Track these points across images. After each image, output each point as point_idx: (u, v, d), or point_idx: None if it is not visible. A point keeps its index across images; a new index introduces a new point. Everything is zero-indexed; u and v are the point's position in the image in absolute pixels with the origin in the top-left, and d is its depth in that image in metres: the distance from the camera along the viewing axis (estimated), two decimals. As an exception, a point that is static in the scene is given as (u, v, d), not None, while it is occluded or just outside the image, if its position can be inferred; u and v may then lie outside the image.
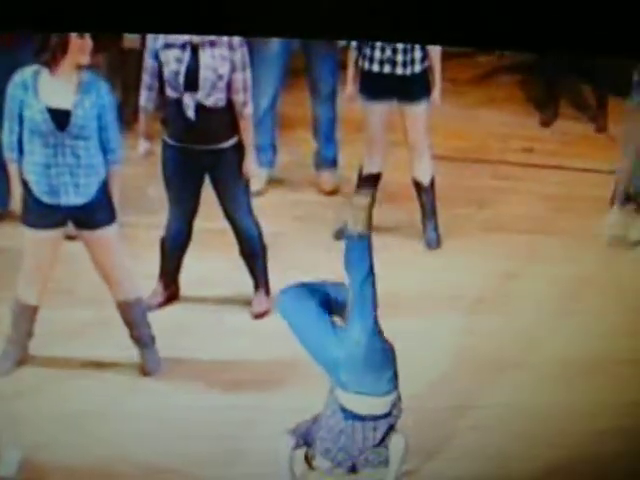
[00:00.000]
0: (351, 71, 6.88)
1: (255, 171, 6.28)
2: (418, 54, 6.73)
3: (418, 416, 5.54)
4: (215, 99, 5.99)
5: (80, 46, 5.31)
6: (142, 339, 5.72)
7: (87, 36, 5.33)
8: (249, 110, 6.05)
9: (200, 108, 5.98)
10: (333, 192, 7.34)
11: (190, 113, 5.98)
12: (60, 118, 5.36)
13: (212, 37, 5.92)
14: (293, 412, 5.45)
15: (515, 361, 6.23)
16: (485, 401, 5.87)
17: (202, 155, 5.99)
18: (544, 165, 8.16)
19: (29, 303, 5.46)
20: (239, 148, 6.09)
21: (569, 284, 6.83)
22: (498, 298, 6.67)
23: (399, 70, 6.74)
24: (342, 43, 7.14)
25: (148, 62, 6.01)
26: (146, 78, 6.00)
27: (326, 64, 7.34)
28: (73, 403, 5.59)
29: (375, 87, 6.81)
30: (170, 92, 5.93)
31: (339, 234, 6.96)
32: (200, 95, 5.94)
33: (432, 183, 6.95)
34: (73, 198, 5.42)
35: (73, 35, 5.26)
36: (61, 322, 5.98)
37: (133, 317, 5.68)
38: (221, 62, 5.91)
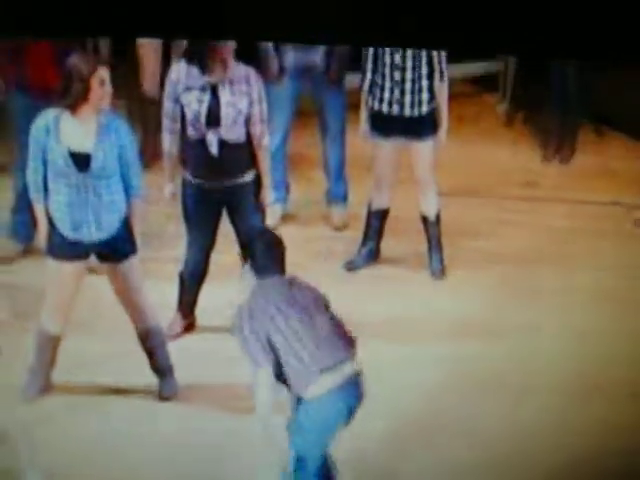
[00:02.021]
0: (363, 112, 6.89)
1: (271, 202, 6.26)
2: (426, 95, 6.76)
3: (426, 441, 5.57)
4: (236, 134, 6.04)
5: (101, 92, 5.33)
6: (161, 367, 5.72)
7: (108, 82, 5.34)
8: (266, 141, 6.10)
9: (222, 144, 6.02)
10: (343, 227, 7.33)
11: (213, 150, 6.02)
12: (81, 160, 5.40)
13: (230, 75, 5.94)
14: None
15: (520, 385, 6.12)
16: (492, 423, 5.78)
17: (222, 190, 6.01)
18: (547, 198, 8.19)
19: (52, 333, 5.47)
20: (257, 181, 6.10)
21: (572, 312, 6.80)
22: (502, 326, 6.61)
23: (407, 111, 6.77)
24: (354, 84, 7.11)
25: (169, 107, 6.05)
26: (167, 123, 6.04)
27: (335, 106, 7.38)
28: (94, 428, 5.58)
29: (384, 127, 6.84)
30: (192, 132, 5.98)
31: (349, 266, 7.02)
32: (222, 131, 5.99)
33: (438, 217, 6.95)
34: (95, 234, 5.43)
35: (94, 81, 5.29)
36: (83, 351, 5.99)
37: (152, 345, 5.69)
38: (240, 98, 5.94)
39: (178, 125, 6.04)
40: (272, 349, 4.78)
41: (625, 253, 7.38)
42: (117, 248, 5.52)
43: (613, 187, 8.28)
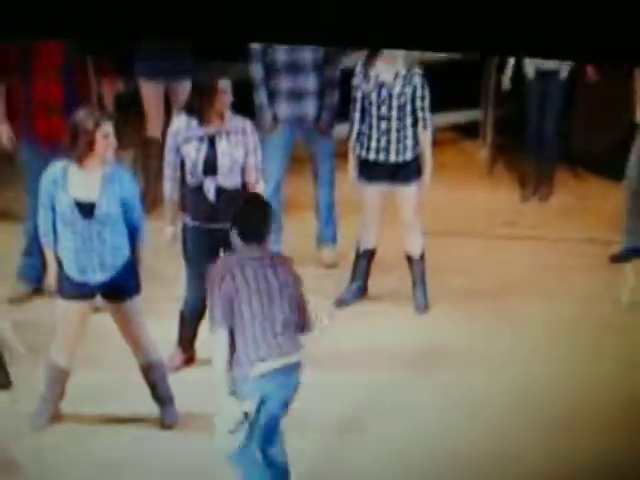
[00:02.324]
0: (351, 159, 6.95)
1: None
2: (410, 143, 6.86)
3: (413, 463, 5.68)
4: (232, 181, 6.11)
5: (105, 145, 5.44)
6: (162, 397, 5.78)
7: (112, 135, 5.46)
8: (260, 187, 6.17)
9: (219, 190, 6.13)
10: (333, 266, 7.40)
11: (210, 196, 6.11)
12: (86, 209, 5.50)
13: (227, 127, 6.05)
14: (298, 460, 5.52)
15: (498, 408, 6.19)
16: (479, 448, 5.86)
17: (220, 232, 6.04)
18: (526, 236, 8.21)
19: (61, 366, 5.57)
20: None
21: (548, 342, 6.83)
22: (483, 356, 6.66)
23: (392, 158, 6.86)
24: (343, 134, 7.21)
25: (170, 157, 6.14)
26: (169, 171, 6.14)
27: (325, 154, 7.46)
28: (101, 455, 5.65)
29: (371, 173, 6.93)
30: (191, 179, 6.08)
31: (339, 302, 7.11)
32: (219, 179, 6.09)
33: (422, 256, 7.01)
34: (100, 276, 5.53)
35: (99, 135, 5.41)
36: (90, 383, 6.01)
37: (154, 377, 5.75)
38: (236, 147, 6.05)
39: (178, 173, 6.12)
40: (231, 316, 4.88)
41: (600, 287, 7.36)
42: (121, 289, 5.60)
43: (588, 224, 8.32)
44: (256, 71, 7.24)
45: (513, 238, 8.26)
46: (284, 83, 7.18)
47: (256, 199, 5.45)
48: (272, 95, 7.21)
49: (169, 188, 6.22)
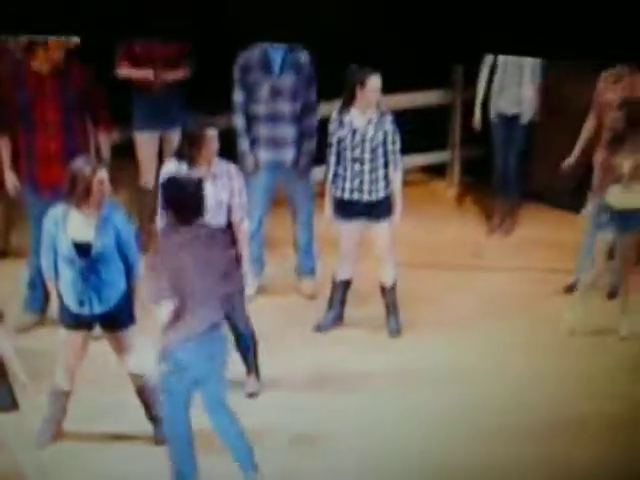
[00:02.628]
0: (328, 198, 7.07)
1: (249, 276, 6.48)
2: (382, 183, 6.99)
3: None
4: (218, 219, 6.20)
5: (101, 190, 5.59)
6: (155, 416, 5.87)
7: (107, 181, 5.61)
8: (245, 226, 6.32)
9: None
10: (312, 296, 7.53)
11: None
12: (83, 249, 5.66)
13: (214, 171, 6.17)
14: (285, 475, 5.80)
15: (467, 425, 6.31)
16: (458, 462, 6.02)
17: None
18: (491, 267, 8.30)
19: (63, 389, 5.74)
20: (236, 259, 6.21)
21: (510, 363, 6.95)
22: (451, 378, 6.76)
23: (366, 197, 6.97)
24: (320, 176, 7.37)
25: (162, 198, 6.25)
26: (162, 210, 6.22)
27: (303, 195, 7.60)
28: (100, 469, 5.75)
29: (346, 211, 7.05)
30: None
31: (318, 329, 7.27)
32: (206, 217, 6.24)
33: (394, 286, 7.15)
34: (97, 308, 5.69)
35: (95, 182, 5.57)
36: (89, 404, 6.10)
37: (148, 398, 5.86)
38: (222, 189, 6.19)
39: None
40: (174, 289, 5.14)
41: (557, 313, 7.41)
42: (118, 320, 5.75)
43: (548, 255, 8.36)
44: (239, 121, 7.39)
45: (479, 269, 8.34)
46: (264, 132, 7.34)
47: (189, 183, 5.55)
48: (253, 143, 7.36)
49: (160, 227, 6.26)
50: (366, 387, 6.74)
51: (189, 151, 6.16)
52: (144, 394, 5.87)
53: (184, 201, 5.28)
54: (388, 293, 7.17)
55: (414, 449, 6.15)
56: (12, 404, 5.36)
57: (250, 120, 7.36)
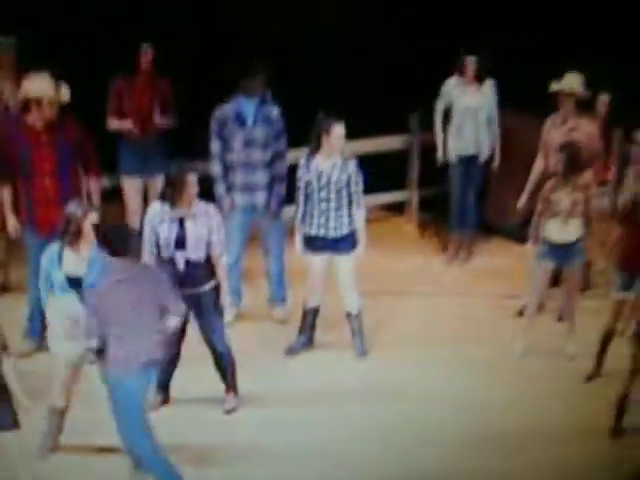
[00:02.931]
0: (298, 235, 7.23)
1: (227, 306, 6.62)
2: (346, 220, 7.16)
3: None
4: (198, 254, 6.41)
5: (89, 231, 5.83)
6: None
7: (96, 222, 5.85)
8: (223, 260, 6.49)
9: (188, 262, 6.41)
10: (284, 322, 7.72)
11: (180, 267, 6.40)
12: (75, 282, 5.86)
13: (194, 211, 6.35)
14: None
15: (420, 435, 6.50)
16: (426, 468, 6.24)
17: (189, 297, 6.36)
18: (449, 292, 8.47)
19: (59, 407, 5.96)
20: (216, 289, 6.48)
21: (465, 379, 7.13)
22: (414, 394, 6.94)
23: (331, 233, 7.15)
24: (290, 215, 7.50)
25: (148, 235, 6.41)
26: (148, 247, 6.42)
27: (275, 233, 7.78)
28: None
29: (314, 245, 7.22)
30: (165, 253, 6.38)
31: (289, 352, 7.43)
32: (187, 253, 6.40)
33: (359, 312, 7.33)
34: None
35: (86, 223, 5.80)
36: (83, 420, 6.23)
37: None
38: (201, 227, 6.36)
39: (155, 249, 6.40)
40: (102, 325, 5.35)
41: (507, 334, 7.59)
42: None
43: (502, 283, 8.51)
44: (216, 168, 7.63)
45: (438, 295, 8.46)
46: (239, 178, 7.58)
47: (119, 227, 5.82)
48: (230, 187, 7.58)
49: (148, 261, 6.40)
50: (334, 403, 6.87)
51: (172, 194, 6.37)
52: None
53: (117, 244, 5.49)
54: (353, 320, 7.36)
55: (376, 460, 6.26)
56: (13, 424, 5.50)
57: (226, 167, 7.59)
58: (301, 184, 7.17)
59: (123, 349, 5.39)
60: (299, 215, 7.25)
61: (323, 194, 7.10)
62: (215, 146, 7.54)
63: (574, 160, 7.25)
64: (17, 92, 7.21)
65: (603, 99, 8.23)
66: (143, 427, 5.55)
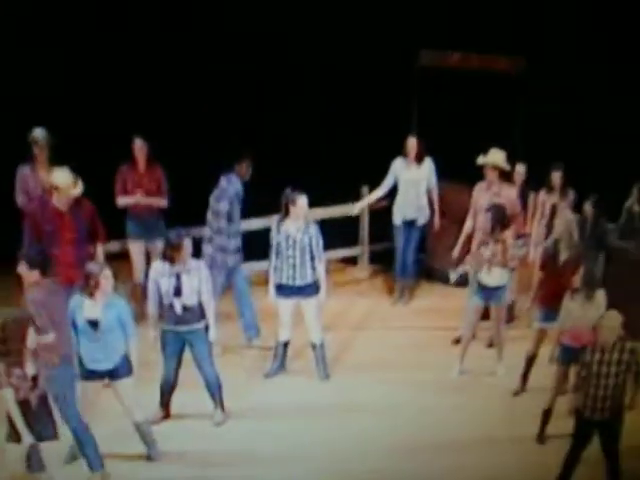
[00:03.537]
0: (271, 283, 7.54)
1: (215, 340, 6.94)
2: (309, 271, 7.47)
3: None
4: (192, 300, 6.79)
5: (107, 283, 6.23)
6: (148, 441, 6.59)
7: (110, 277, 6.21)
8: (212, 304, 6.87)
9: (184, 307, 6.81)
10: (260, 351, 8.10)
11: (178, 310, 6.81)
12: (94, 324, 6.27)
13: (188, 267, 6.69)
14: None
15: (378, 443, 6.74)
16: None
17: (185, 333, 6.85)
18: (394, 327, 8.77)
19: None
20: (206, 327, 6.87)
21: (411, 397, 7.40)
22: (370, 408, 7.22)
23: (298, 282, 7.51)
24: (265, 268, 7.73)
25: (152, 287, 6.84)
26: (151, 296, 6.82)
27: (242, 284, 8.10)
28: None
29: (284, 292, 7.56)
30: (165, 300, 6.81)
31: (266, 375, 7.67)
32: (183, 299, 6.80)
33: (322, 344, 7.70)
34: (105, 365, 6.32)
35: (102, 278, 6.17)
36: (98, 433, 6.35)
37: (142, 430, 6.56)
38: (194, 279, 6.77)
39: (157, 297, 6.83)
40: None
41: (446, 359, 7.91)
42: (119, 373, 6.35)
43: (438, 317, 8.87)
44: (207, 234, 8.03)
45: (385, 329, 8.76)
46: (225, 243, 7.96)
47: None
48: (219, 250, 7.99)
49: (152, 306, 6.83)
50: (305, 417, 7.17)
51: (170, 254, 6.77)
52: (139, 427, 6.52)
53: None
54: (317, 349, 7.71)
55: (341, 462, 6.56)
56: (55, 435, 5.79)
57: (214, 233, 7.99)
58: (273, 243, 7.48)
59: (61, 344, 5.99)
60: (271, 268, 7.52)
61: (290, 252, 7.44)
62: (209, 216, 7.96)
63: (499, 219, 7.57)
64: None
65: (519, 169, 8.65)
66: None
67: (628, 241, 8.56)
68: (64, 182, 7.32)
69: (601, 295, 6.75)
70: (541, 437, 6.91)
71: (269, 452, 6.70)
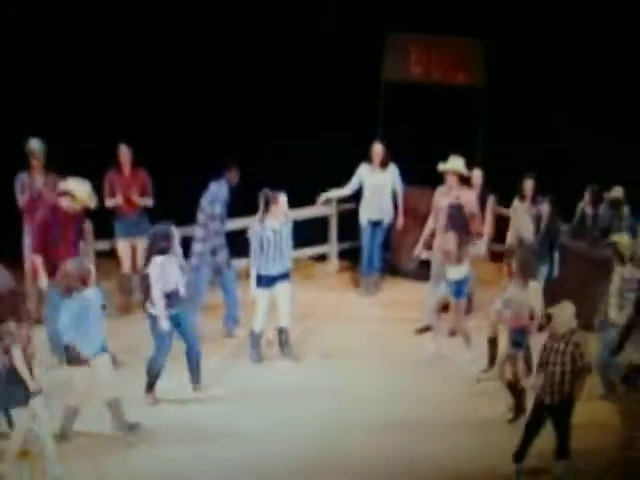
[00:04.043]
0: (252, 277, 7.65)
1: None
2: (287, 261, 7.59)
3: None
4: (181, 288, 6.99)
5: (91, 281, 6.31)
6: (121, 420, 6.59)
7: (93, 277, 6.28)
8: (182, 292, 6.98)
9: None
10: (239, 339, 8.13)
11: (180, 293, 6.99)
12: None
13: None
14: (234, 461, 6.27)
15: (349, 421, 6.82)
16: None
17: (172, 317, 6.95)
18: (362, 318, 8.79)
19: (74, 406, 6.48)
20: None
21: (377, 380, 7.46)
22: (339, 390, 7.30)
23: (278, 270, 7.60)
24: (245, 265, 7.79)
25: (157, 277, 6.84)
26: (157, 285, 6.85)
27: (229, 282, 8.17)
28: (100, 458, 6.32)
29: (264, 282, 7.66)
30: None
31: (255, 361, 7.69)
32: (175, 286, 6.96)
33: (288, 328, 7.76)
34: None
35: (88, 280, 6.25)
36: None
37: (115, 410, 6.51)
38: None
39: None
40: None
41: (408, 346, 8.04)
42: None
43: (401, 309, 8.88)
44: (200, 234, 8.05)
45: (353, 320, 8.83)
46: (219, 242, 8.11)
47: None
48: (212, 249, 8.08)
49: (158, 293, 6.88)
50: (279, 397, 7.26)
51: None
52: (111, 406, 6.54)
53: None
54: (283, 333, 7.80)
55: (316, 437, 6.64)
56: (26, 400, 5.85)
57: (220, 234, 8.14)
58: (256, 239, 7.58)
59: None
60: (256, 262, 7.59)
61: (277, 244, 7.61)
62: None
63: (455, 216, 7.71)
64: (48, 183, 7.92)
65: (477, 174, 8.73)
66: None
67: (580, 240, 8.61)
68: (84, 194, 7.41)
69: (535, 284, 6.94)
70: (516, 418, 6.85)
71: (249, 428, 6.78)
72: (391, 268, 9.76)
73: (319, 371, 7.73)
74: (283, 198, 7.67)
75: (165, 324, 6.88)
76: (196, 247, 8.10)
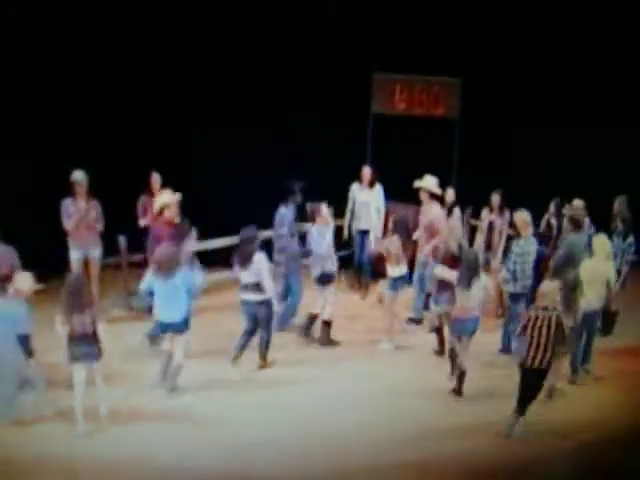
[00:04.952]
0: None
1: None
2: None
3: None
4: None
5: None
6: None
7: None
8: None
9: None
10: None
11: None
12: None
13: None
14: (227, 448, 5.90)
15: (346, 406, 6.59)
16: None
17: None
18: (359, 316, 8.66)
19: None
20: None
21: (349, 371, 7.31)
22: (320, 383, 7.07)
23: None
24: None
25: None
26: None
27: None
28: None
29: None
30: None
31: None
32: None
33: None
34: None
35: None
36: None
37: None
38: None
39: None
40: None
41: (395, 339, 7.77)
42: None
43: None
44: (280, 245, 8.13)
45: (354, 317, 8.62)
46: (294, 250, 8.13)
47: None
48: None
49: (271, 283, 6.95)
50: (257, 387, 6.96)
51: None
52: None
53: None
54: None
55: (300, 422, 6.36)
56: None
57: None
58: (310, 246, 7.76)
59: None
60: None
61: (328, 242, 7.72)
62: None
63: (399, 227, 7.78)
64: (89, 207, 8.04)
65: (450, 192, 8.82)
66: None
67: (545, 248, 8.41)
68: (171, 199, 7.71)
69: (484, 278, 6.93)
70: (458, 392, 6.83)
71: (230, 415, 6.50)
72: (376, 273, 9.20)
73: (313, 361, 7.57)
74: (325, 208, 7.80)
75: (278, 306, 7.18)
76: (277, 257, 8.18)
